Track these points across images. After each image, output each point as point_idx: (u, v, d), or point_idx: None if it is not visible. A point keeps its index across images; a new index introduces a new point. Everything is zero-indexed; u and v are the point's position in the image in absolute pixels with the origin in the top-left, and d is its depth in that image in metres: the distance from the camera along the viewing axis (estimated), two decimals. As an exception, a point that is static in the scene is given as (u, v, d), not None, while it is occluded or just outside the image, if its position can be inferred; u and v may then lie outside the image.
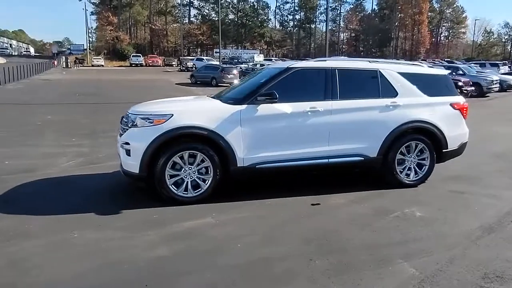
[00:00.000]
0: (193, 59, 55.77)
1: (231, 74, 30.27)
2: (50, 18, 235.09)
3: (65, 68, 54.82)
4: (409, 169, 5.97)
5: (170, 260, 3.74)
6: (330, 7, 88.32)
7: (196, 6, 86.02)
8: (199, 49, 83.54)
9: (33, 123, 11.58)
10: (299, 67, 5.73)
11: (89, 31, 79.63)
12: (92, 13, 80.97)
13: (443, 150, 6.04)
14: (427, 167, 6.00)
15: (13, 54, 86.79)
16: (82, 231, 4.33)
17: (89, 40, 77.70)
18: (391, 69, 5.96)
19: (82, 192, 5.68)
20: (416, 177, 5.99)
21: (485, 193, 5.74)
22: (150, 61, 65.90)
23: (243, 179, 5.58)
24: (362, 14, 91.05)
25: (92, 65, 62.12)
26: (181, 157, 5.12)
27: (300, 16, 71.07)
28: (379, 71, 5.87)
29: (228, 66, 33.94)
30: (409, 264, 3.64)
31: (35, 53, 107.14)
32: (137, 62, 63.30)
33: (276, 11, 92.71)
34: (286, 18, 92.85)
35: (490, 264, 3.68)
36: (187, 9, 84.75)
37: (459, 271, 3.54)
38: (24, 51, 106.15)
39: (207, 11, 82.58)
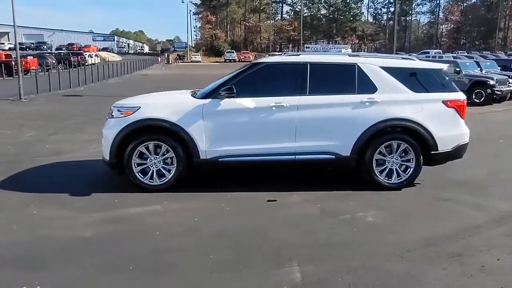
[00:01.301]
0: (280, 54, 56.07)
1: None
2: (165, 19, 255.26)
3: (166, 64, 59.05)
4: (391, 170, 5.44)
5: (88, 241, 3.95)
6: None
7: (288, 2, 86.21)
8: (290, 45, 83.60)
9: (105, 112, 12.74)
10: (267, 62, 5.55)
11: (194, 30, 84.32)
12: (194, 13, 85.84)
13: (432, 152, 5.38)
14: (412, 169, 5.41)
15: (129, 52, 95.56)
16: (43, 209, 4.77)
17: (193, 38, 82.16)
18: (372, 63, 5.46)
19: (79, 174, 6.18)
20: (399, 179, 5.43)
21: (472, 203, 4.99)
22: (243, 57, 67.73)
23: (207, 171, 5.61)
24: (465, 4, 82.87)
25: (191, 61, 66.09)
26: (147, 147, 5.31)
27: (395, 8, 67.09)
28: (358, 65, 5.41)
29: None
30: (298, 269, 3.38)
31: (148, 51, 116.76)
32: (231, 58, 65.64)
33: (369, 4, 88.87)
34: (379, 11, 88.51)
35: (381, 279, 3.25)
36: (280, 6, 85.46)
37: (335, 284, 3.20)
38: (139, 49, 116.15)
39: (300, 7, 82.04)
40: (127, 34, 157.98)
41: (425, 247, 3.78)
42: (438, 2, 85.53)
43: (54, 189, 5.45)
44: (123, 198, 5.11)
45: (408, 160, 5.41)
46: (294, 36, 77.14)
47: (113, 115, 5.49)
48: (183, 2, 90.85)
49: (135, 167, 5.32)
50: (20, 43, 75.87)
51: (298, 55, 5.81)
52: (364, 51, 65.43)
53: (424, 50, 52.72)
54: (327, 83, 5.44)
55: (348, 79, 5.38)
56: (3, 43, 70.26)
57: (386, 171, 5.42)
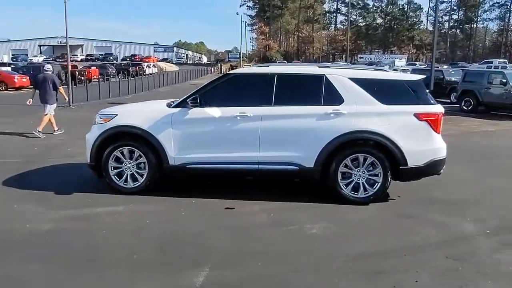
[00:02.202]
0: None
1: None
2: (224, 31, 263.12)
3: (219, 74, 60.74)
4: (358, 184, 5.30)
5: (40, 234, 4.27)
6: (498, 3, 77.17)
7: (343, 12, 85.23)
8: (344, 55, 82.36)
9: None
10: (236, 73, 5.66)
11: (250, 41, 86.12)
12: (248, 25, 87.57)
13: (401, 167, 5.18)
14: (379, 184, 5.24)
15: (188, 62, 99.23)
16: (25, 204, 5.20)
17: (250, 49, 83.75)
18: (340, 75, 5.38)
19: (76, 175, 6.55)
20: (365, 194, 5.28)
21: (437, 222, 4.74)
22: (294, 67, 67.97)
23: (176, 176, 5.79)
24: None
25: (242, 71, 67.25)
26: (122, 152, 5.61)
27: (458, 15, 63.48)
28: (325, 76, 5.35)
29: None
30: (205, 273, 3.46)
31: (206, 61, 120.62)
32: (281, 68, 66.09)
33: (429, 12, 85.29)
34: (440, 19, 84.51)
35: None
36: (334, 16, 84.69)
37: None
38: (197, 60, 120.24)
39: (354, 17, 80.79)
40: (189, 45, 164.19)
41: (348, 262, 3.70)
42: (509, 7, 79.80)
43: (44, 187, 5.88)
44: (97, 198, 5.44)
45: (376, 175, 5.25)
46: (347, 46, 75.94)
47: (95, 121, 5.87)
48: (237, 14, 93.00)
49: (111, 170, 5.63)
50: (90, 55, 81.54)
51: (268, 66, 5.86)
52: (421, 61, 62.80)
53: (487, 60, 49.69)
54: (294, 94, 5.44)
55: (315, 91, 5.34)
56: (75, 55, 76.11)
57: (352, 184, 5.30)
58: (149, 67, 53.24)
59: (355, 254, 3.84)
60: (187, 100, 5.45)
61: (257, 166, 5.37)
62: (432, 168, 5.28)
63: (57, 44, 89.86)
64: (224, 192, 5.66)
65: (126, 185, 5.64)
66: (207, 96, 5.48)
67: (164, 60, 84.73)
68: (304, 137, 5.25)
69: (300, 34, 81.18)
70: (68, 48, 18.84)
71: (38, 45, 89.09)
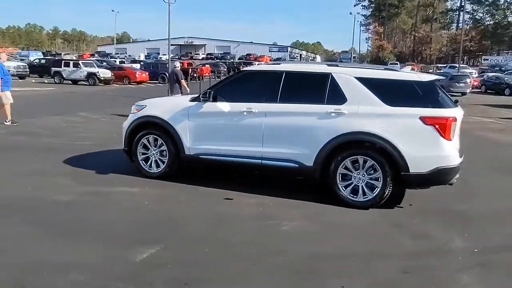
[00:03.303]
0: (445, 66, 51.06)
1: (461, 83, 28.14)
2: (342, 31, 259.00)
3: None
4: (357, 187, 5.03)
5: (58, 203, 4.97)
6: None
7: (467, 10, 76.88)
8: (466, 56, 74.56)
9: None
10: (249, 70, 5.75)
11: (366, 41, 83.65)
12: (362, 25, 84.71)
13: (402, 173, 4.78)
14: (378, 189, 4.92)
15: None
16: (65, 179, 6.03)
17: (366, 49, 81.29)
18: (347, 74, 5.14)
19: (112, 159, 7.26)
20: (364, 198, 5.00)
21: (426, 234, 4.33)
22: (407, 69, 64.02)
23: (191, 165, 6.12)
24: None
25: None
26: (148, 140, 6.16)
27: None
28: (332, 75, 5.18)
29: (460, 74, 30.02)
30: (147, 251, 3.70)
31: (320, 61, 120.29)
32: (393, 69, 62.73)
33: None
34: None
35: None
36: (456, 14, 76.86)
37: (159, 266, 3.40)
38: (310, 60, 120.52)
39: (481, 15, 72.43)
40: (306, 46, 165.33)
41: (294, 260, 3.63)
42: None
43: (91, 166, 6.67)
44: (124, 179, 6.06)
45: (376, 179, 4.93)
46: (470, 47, 68.58)
47: (131, 111, 6.53)
48: (351, 14, 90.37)
49: (140, 155, 6.23)
50: (210, 54, 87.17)
51: (279, 63, 5.84)
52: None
53: None
54: (299, 92, 5.38)
55: (319, 89, 5.21)
56: (198, 53, 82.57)
57: (352, 187, 5.05)
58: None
59: (307, 254, 3.75)
60: (203, 95, 5.76)
61: (260, 161, 5.45)
62: (439, 176, 4.77)
63: (183, 43, 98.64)
64: (233, 183, 5.84)
65: (151, 170, 6.18)
66: (221, 91, 5.74)
67: (278, 59, 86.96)
68: (304, 135, 5.18)
69: (417, 34, 75.75)
70: (169, 48, 20.53)
71: (167, 44, 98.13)
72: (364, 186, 5.00)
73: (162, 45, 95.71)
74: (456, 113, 4.87)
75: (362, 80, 5.06)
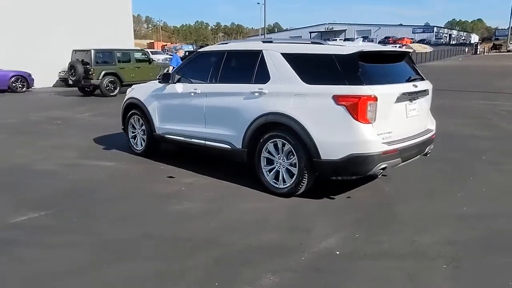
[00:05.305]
0: None
1: None
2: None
3: (470, 55, 52.52)
4: (278, 172, 4.60)
5: (33, 172, 5.84)
6: None
7: None
8: None
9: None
10: (202, 51, 5.64)
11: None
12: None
13: (314, 159, 4.19)
14: (295, 176, 4.40)
15: (451, 43, 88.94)
16: (74, 152, 6.99)
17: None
18: (275, 50, 4.66)
19: None
20: (284, 185, 4.54)
21: (303, 227, 3.71)
22: None
23: (163, 143, 6.32)
24: None
25: (508, 51, 55.99)
26: (134, 120, 6.65)
27: None
28: (262, 52, 4.76)
29: None
30: (24, 214, 4.11)
31: (478, 41, 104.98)
32: None
33: None
34: None
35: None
36: None
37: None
38: (462, 40, 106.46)
39: None
40: (463, 24, 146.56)
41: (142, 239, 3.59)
42: None
43: (105, 144, 7.40)
44: (115, 155, 6.60)
45: (293, 165, 4.42)
46: None
47: (126, 93, 7.08)
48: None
49: (130, 133, 6.79)
50: (347, 39, 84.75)
51: (226, 43, 5.55)
52: None
53: None
54: (235, 71, 5.12)
55: (250, 68, 4.85)
56: (335, 39, 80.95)
57: (274, 172, 4.64)
58: (395, 49, 51.28)
59: (198, 239, 3.57)
60: (167, 76, 5.93)
61: (204, 141, 5.40)
62: (353, 165, 4.01)
63: (324, 30, 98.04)
64: (198, 163, 5.90)
65: (136, 147, 6.68)
66: (180, 72, 5.83)
67: (421, 41, 79.33)
68: (234, 116, 4.92)
69: None
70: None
71: (309, 32, 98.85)
72: (284, 172, 4.55)
73: (303, 33, 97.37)
74: (383, 91, 4.00)
75: (286, 56, 4.52)
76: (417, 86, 4.44)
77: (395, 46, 54.89)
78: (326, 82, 4.17)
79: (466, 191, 4.75)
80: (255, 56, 4.84)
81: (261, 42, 5.02)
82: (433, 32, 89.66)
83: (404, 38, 77.52)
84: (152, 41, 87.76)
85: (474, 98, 13.50)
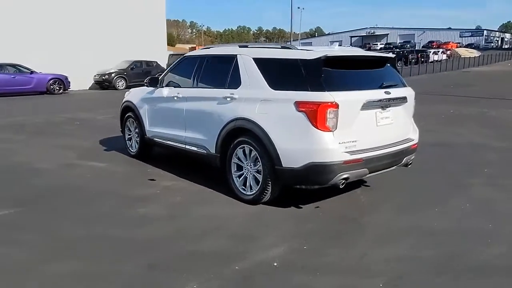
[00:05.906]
0: None
1: None
2: None
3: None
4: (246, 179, 4.52)
5: (28, 170, 6.11)
6: None
7: None
8: None
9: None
10: (188, 55, 5.66)
11: None
12: None
13: (276, 167, 4.08)
14: (260, 183, 4.31)
15: (503, 47, 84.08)
16: (73, 152, 7.24)
17: None
18: (248, 55, 4.59)
19: None
20: (251, 192, 4.46)
21: (247, 235, 3.61)
22: None
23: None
24: None
25: None
26: (129, 122, 6.79)
27: None
28: (236, 57, 4.71)
29: None
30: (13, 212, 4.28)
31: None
32: None
33: None
34: None
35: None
36: None
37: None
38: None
39: None
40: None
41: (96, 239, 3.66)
42: None
43: (106, 145, 7.68)
44: (112, 156, 6.84)
45: (259, 171, 4.33)
46: None
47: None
48: None
49: (126, 136, 6.95)
50: (389, 43, 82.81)
51: (209, 47, 5.52)
52: None
53: None
54: (211, 76, 5.11)
55: (226, 72, 4.81)
56: (376, 44, 79.14)
57: (242, 178, 4.57)
58: (436, 54, 49.37)
59: (143, 243, 3.59)
60: (154, 80, 6.03)
61: (184, 145, 5.42)
62: (313, 174, 3.86)
63: (365, 34, 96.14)
64: (181, 167, 5.93)
65: (131, 149, 6.82)
66: (167, 77, 5.90)
67: (469, 46, 75.74)
68: (208, 120, 4.91)
69: None
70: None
71: (350, 36, 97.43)
72: (251, 179, 4.45)
73: (344, 38, 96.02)
74: (346, 97, 3.82)
75: (258, 61, 4.44)
76: (390, 93, 4.21)
77: (438, 51, 52.64)
78: (290, 88, 4.05)
79: (446, 206, 4.44)
80: (230, 61, 4.80)
81: (237, 47, 4.98)
82: (482, 35, 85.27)
83: (449, 42, 74.38)
84: (194, 45, 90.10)
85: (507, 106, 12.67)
